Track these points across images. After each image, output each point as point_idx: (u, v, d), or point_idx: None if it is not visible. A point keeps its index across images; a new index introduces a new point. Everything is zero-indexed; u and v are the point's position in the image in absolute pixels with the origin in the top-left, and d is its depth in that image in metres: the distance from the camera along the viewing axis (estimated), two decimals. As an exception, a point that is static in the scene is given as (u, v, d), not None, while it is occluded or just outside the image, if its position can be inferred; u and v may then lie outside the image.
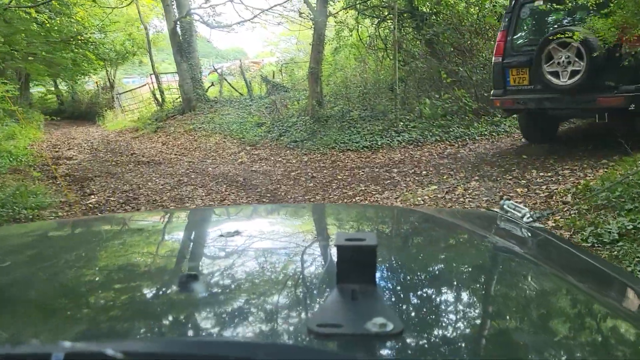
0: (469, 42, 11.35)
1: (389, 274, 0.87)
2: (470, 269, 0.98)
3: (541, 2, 6.02)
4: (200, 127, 14.06)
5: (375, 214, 1.65)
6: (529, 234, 1.26)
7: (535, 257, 1.10)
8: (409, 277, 0.89)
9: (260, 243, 1.10)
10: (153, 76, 18.80)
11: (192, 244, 1.15)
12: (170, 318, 0.69)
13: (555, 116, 6.59)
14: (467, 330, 0.67)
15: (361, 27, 13.94)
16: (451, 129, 9.55)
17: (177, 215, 1.90)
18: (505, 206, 1.44)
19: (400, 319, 0.60)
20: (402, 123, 10.01)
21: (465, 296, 0.81)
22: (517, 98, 6.01)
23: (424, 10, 12.59)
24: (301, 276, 0.85)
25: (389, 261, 0.94)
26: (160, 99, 18.14)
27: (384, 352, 0.56)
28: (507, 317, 0.72)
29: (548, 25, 6.17)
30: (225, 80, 18.10)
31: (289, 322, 0.65)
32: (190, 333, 0.64)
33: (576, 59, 5.34)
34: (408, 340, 0.58)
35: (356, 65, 13.68)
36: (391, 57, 12.63)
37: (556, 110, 5.85)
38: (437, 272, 0.94)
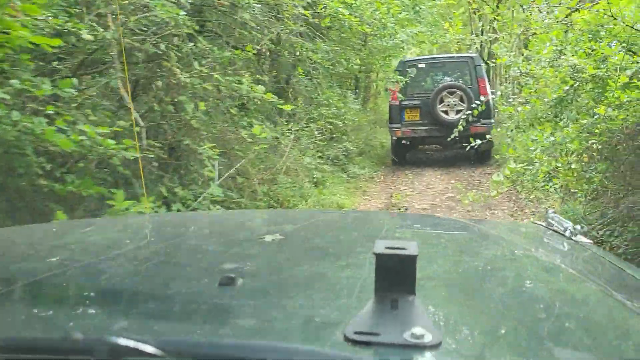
0: None
1: (429, 284, 0.87)
2: (512, 282, 0.99)
3: (424, 65, 9.08)
4: None
5: (416, 222, 1.67)
6: (575, 248, 1.25)
7: (580, 272, 1.12)
8: (449, 288, 0.90)
9: (298, 248, 1.15)
10: None
11: (231, 246, 1.18)
12: (208, 319, 0.72)
13: (418, 142, 9.35)
14: (507, 345, 0.68)
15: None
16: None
17: (219, 216, 2.04)
18: (549, 219, 1.43)
19: (439, 330, 0.61)
20: None
21: (505, 310, 0.81)
22: (415, 129, 8.59)
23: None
24: (338, 282, 0.89)
25: (428, 271, 0.94)
26: None
27: None
28: (551, 335, 0.71)
29: (432, 79, 9.06)
30: None
31: (326, 328, 0.67)
32: (228, 335, 0.66)
33: (460, 102, 8.37)
34: (446, 352, 0.59)
35: None
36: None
37: (441, 137, 8.20)
38: (477, 284, 0.94)
